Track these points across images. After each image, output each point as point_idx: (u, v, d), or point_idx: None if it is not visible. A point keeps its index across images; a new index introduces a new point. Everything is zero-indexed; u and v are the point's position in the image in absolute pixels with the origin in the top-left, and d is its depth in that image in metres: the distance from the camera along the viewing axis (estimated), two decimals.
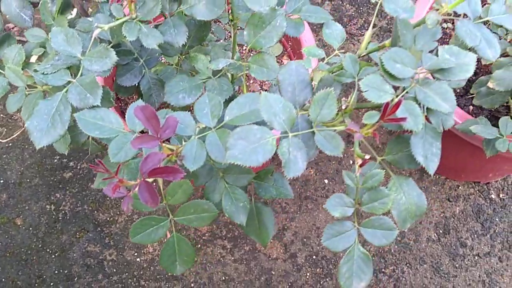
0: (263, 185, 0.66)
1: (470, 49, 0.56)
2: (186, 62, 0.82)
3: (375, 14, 0.60)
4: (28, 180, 1.50)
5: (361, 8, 1.75)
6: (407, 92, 0.53)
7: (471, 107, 1.24)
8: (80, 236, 1.44)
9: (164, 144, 0.55)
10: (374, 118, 0.50)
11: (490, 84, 0.91)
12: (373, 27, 1.64)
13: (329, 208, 0.54)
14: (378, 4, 0.59)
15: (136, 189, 0.47)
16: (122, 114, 1.20)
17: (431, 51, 0.56)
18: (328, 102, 0.52)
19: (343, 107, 0.54)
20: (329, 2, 1.75)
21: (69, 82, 0.61)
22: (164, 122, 0.53)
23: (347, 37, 1.70)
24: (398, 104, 0.47)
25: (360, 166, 0.52)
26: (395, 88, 0.53)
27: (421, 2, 1.19)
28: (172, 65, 0.96)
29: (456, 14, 0.56)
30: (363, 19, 1.73)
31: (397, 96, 0.52)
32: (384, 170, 0.54)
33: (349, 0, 1.76)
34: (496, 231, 1.46)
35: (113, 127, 0.58)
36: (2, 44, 0.74)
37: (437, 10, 0.53)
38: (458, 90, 1.23)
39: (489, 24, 0.87)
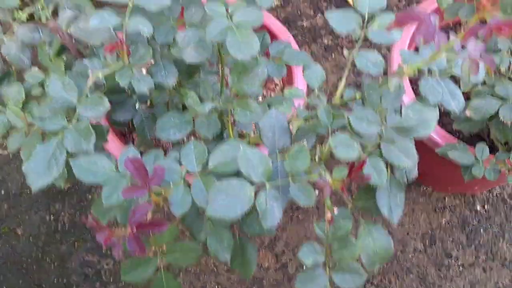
0: (246, 221, 0.71)
1: None
2: (177, 96, 0.86)
3: (347, 68, 0.64)
4: (28, 191, 1.55)
5: None
6: (375, 147, 0.57)
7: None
8: (79, 246, 1.49)
9: (152, 190, 0.59)
10: (343, 173, 0.55)
11: (467, 112, 0.95)
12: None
13: (302, 257, 0.59)
14: (350, 59, 0.63)
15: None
16: (121, 133, 1.24)
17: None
18: (302, 155, 0.57)
19: (317, 157, 0.58)
20: (321, 15, 1.80)
21: (65, 127, 0.66)
22: (152, 172, 0.58)
23: (338, 51, 1.74)
24: (363, 163, 0.52)
25: (329, 222, 0.56)
26: (363, 144, 0.58)
27: (395, 55, 1.25)
28: None
29: (420, 71, 0.60)
30: None
31: (364, 151, 0.57)
32: (351, 221, 0.58)
33: None
34: (481, 242, 1.51)
35: (106, 171, 0.63)
36: (2, 82, 0.79)
37: (399, 74, 0.57)
38: (442, 109, 1.27)
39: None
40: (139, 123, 0.85)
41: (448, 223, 1.53)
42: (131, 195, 0.57)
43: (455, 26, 1.43)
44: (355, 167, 0.52)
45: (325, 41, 1.75)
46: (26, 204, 1.53)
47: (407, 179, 0.60)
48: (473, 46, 0.52)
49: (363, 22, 0.63)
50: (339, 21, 0.62)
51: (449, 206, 1.54)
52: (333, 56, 1.72)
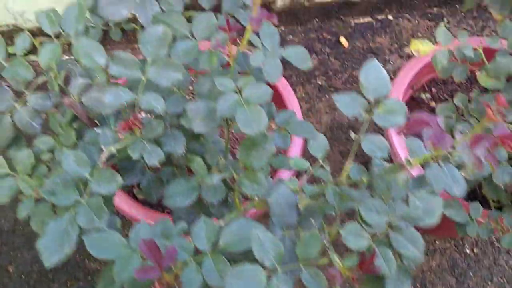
0: None
1: None
2: (183, 159, 0.88)
3: (353, 152, 0.66)
4: (21, 228, 1.54)
5: (346, 63, 1.83)
6: (383, 235, 0.60)
7: None
8: (71, 285, 1.48)
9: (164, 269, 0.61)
10: (353, 261, 0.57)
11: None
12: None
13: None
14: (357, 143, 0.66)
15: None
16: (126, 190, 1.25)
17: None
18: (313, 242, 0.59)
19: (326, 241, 0.60)
20: (315, 56, 1.83)
21: (77, 201, 0.67)
22: (165, 253, 0.60)
23: (331, 91, 1.77)
24: (374, 255, 0.54)
25: None
26: (371, 232, 0.60)
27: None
28: None
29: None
30: (348, 73, 1.81)
31: (373, 239, 0.59)
32: None
33: (335, 54, 1.84)
34: (470, 285, 1.54)
35: (118, 247, 0.64)
36: (11, 147, 0.80)
37: (406, 166, 0.60)
38: None
39: None
40: (146, 187, 0.87)
41: (438, 266, 1.56)
42: (144, 276, 0.59)
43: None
44: (366, 259, 0.54)
45: (319, 82, 1.79)
46: (19, 241, 1.53)
47: (414, 266, 0.63)
48: (477, 149, 0.55)
49: (369, 104, 0.66)
50: (346, 104, 0.65)
51: (439, 249, 1.57)
52: (326, 97, 1.76)
